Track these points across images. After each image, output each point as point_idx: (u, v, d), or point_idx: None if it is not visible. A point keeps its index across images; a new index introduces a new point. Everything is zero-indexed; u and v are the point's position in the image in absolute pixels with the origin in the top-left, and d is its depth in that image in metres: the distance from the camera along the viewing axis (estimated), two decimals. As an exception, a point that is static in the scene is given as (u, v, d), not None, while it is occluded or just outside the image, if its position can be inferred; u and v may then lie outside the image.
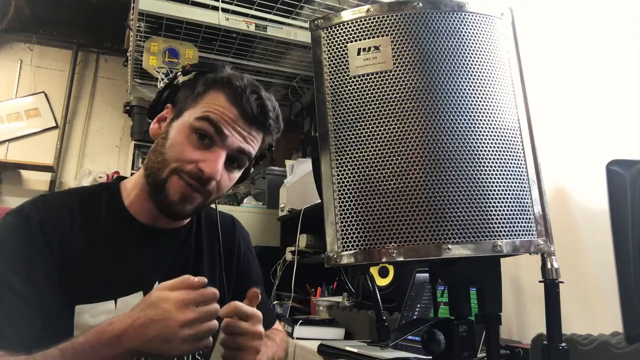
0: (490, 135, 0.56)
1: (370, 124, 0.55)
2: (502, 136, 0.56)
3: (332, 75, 0.59)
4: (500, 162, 0.55)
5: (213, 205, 1.00)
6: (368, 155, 0.55)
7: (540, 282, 0.57)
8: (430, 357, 0.62)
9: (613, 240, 0.62)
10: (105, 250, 0.84)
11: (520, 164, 0.57)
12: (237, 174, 0.90)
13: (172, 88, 0.91)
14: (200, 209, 0.90)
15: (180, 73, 0.92)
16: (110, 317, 0.78)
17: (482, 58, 0.58)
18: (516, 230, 0.54)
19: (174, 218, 0.88)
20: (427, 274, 1.32)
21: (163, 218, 0.88)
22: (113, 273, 0.83)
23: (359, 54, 0.58)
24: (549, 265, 0.56)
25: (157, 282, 0.86)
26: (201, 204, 0.86)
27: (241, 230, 1.09)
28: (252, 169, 0.97)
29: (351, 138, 0.56)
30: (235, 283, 1.03)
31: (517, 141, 0.57)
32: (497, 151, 0.55)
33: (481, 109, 0.56)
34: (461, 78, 0.56)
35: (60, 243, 0.80)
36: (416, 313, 1.34)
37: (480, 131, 0.55)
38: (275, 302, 2.11)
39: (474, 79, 0.57)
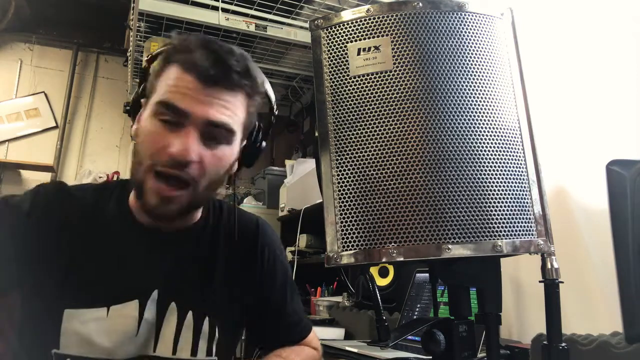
0: (490, 135, 0.55)
1: (370, 124, 0.55)
2: (502, 136, 0.56)
3: (332, 75, 0.58)
4: (500, 162, 0.55)
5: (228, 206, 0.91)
6: (368, 155, 0.55)
7: (540, 282, 0.57)
8: (430, 357, 0.62)
9: (613, 240, 0.62)
10: (102, 254, 0.79)
11: (520, 164, 0.57)
12: (225, 150, 0.77)
13: (142, 81, 0.81)
14: (194, 203, 0.80)
15: (146, 63, 0.81)
16: (101, 325, 0.75)
17: (482, 58, 0.58)
18: (516, 230, 0.54)
19: (161, 221, 0.80)
20: (427, 274, 1.32)
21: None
22: (108, 278, 0.78)
23: (359, 54, 0.58)
24: (549, 265, 0.56)
25: (155, 291, 0.80)
26: (190, 199, 0.76)
27: (266, 236, 0.94)
28: (260, 140, 0.85)
29: (351, 138, 0.56)
30: (256, 291, 0.91)
31: (517, 141, 0.57)
32: (497, 151, 0.55)
33: (481, 109, 0.56)
34: (461, 78, 0.56)
35: (54, 241, 0.77)
36: (416, 313, 1.34)
37: (480, 131, 0.55)
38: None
39: (473, 79, 0.57)
